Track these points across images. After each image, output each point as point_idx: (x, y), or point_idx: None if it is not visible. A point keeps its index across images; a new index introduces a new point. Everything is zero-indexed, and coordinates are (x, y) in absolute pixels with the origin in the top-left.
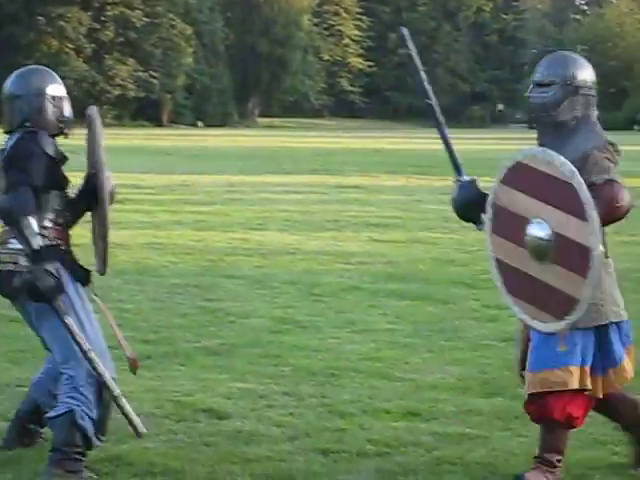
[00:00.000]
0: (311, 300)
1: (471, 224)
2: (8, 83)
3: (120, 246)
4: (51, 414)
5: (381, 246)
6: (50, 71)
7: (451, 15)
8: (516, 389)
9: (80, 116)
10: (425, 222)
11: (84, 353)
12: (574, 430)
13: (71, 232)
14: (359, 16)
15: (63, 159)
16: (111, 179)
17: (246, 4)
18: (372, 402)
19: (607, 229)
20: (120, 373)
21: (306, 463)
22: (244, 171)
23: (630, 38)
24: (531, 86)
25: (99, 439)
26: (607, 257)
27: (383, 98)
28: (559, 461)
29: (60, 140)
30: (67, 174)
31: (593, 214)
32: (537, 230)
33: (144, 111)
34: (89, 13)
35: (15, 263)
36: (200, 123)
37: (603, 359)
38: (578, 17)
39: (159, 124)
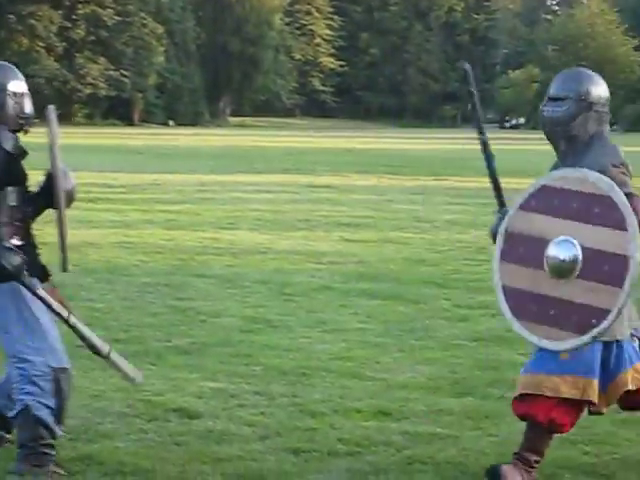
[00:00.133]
0: (282, 299)
1: None
2: None
3: (91, 245)
4: (10, 414)
5: (352, 246)
6: (12, 67)
7: (423, 15)
8: (487, 389)
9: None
10: (396, 222)
11: (65, 321)
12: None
13: (35, 229)
14: (331, 15)
15: (22, 154)
16: (71, 178)
17: (218, 3)
18: (343, 401)
19: None
20: (90, 372)
21: (277, 462)
22: (215, 170)
23: (601, 38)
24: (545, 100)
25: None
26: None
27: (354, 98)
28: (537, 462)
29: (27, 137)
30: (27, 170)
31: (633, 221)
32: (560, 250)
33: (115, 110)
34: (60, 11)
35: None
36: (171, 122)
37: (607, 374)
38: (549, 17)
39: (130, 123)
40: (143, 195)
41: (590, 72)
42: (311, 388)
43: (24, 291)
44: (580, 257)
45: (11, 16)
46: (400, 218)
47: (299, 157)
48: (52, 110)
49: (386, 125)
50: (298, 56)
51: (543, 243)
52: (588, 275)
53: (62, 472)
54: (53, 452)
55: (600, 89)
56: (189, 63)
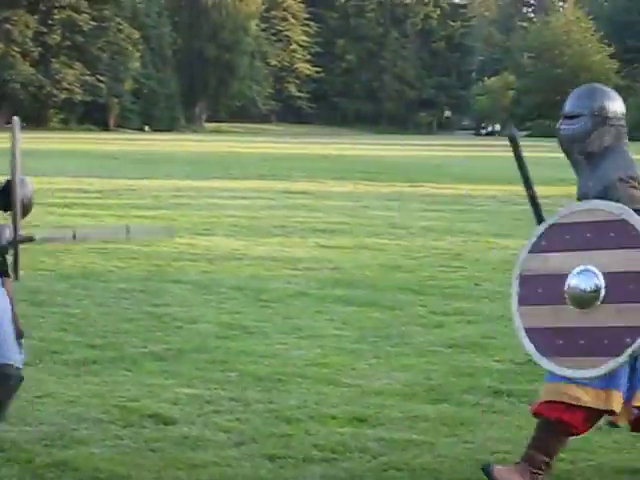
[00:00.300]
0: (258, 306)
1: None
2: None
3: (66, 250)
4: None
5: (328, 252)
6: None
7: (399, 22)
8: (462, 395)
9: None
10: (372, 228)
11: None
12: (521, 436)
13: None
14: (307, 22)
15: None
16: (29, 186)
17: (194, 9)
18: (318, 408)
19: None
20: (65, 378)
21: (252, 469)
22: (191, 176)
23: (576, 46)
24: (561, 119)
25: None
26: None
27: (330, 104)
28: (545, 464)
29: None
30: None
31: None
32: (580, 280)
33: (91, 115)
34: (36, 16)
35: None
36: (147, 127)
37: (631, 387)
38: (525, 25)
39: (106, 128)
40: (119, 200)
41: (604, 87)
42: (287, 394)
43: None
44: (602, 284)
45: None
46: (376, 224)
47: (275, 163)
48: (16, 122)
49: (362, 131)
50: (274, 62)
51: (561, 278)
52: (614, 298)
53: None
54: None
55: (615, 104)
56: (165, 68)
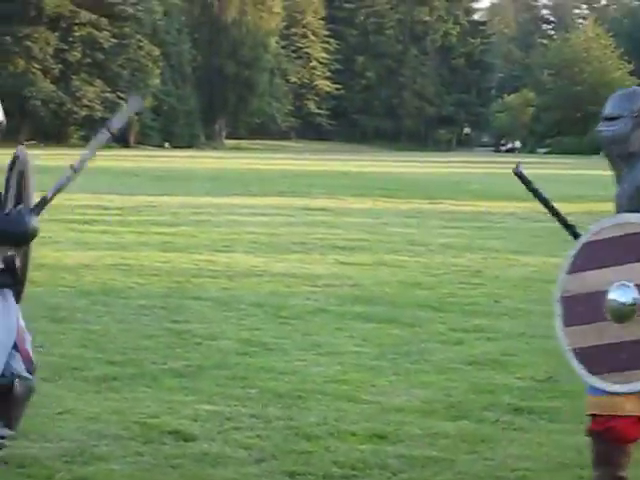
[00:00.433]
0: (278, 322)
1: None
2: None
3: (87, 267)
4: None
5: (347, 269)
6: None
7: (418, 39)
8: (482, 412)
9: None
10: (391, 245)
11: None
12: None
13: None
14: (326, 39)
15: None
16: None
17: (214, 26)
18: (338, 424)
19: None
20: (85, 394)
21: None
22: (211, 193)
23: (596, 63)
24: (601, 122)
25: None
26: None
27: (350, 121)
28: (619, 478)
29: None
30: None
31: None
32: (618, 294)
33: None
34: (56, 33)
35: None
36: (167, 144)
37: None
38: (545, 42)
39: (126, 145)
40: (139, 217)
41: None
42: (307, 411)
43: None
44: (639, 297)
45: (7, 37)
46: (395, 241)
47: (294, 180)
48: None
49: (382, 148)
50: (294, 79)
51: (600, 295)
52: None
53: None
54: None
55: None
56: (185, 85)
